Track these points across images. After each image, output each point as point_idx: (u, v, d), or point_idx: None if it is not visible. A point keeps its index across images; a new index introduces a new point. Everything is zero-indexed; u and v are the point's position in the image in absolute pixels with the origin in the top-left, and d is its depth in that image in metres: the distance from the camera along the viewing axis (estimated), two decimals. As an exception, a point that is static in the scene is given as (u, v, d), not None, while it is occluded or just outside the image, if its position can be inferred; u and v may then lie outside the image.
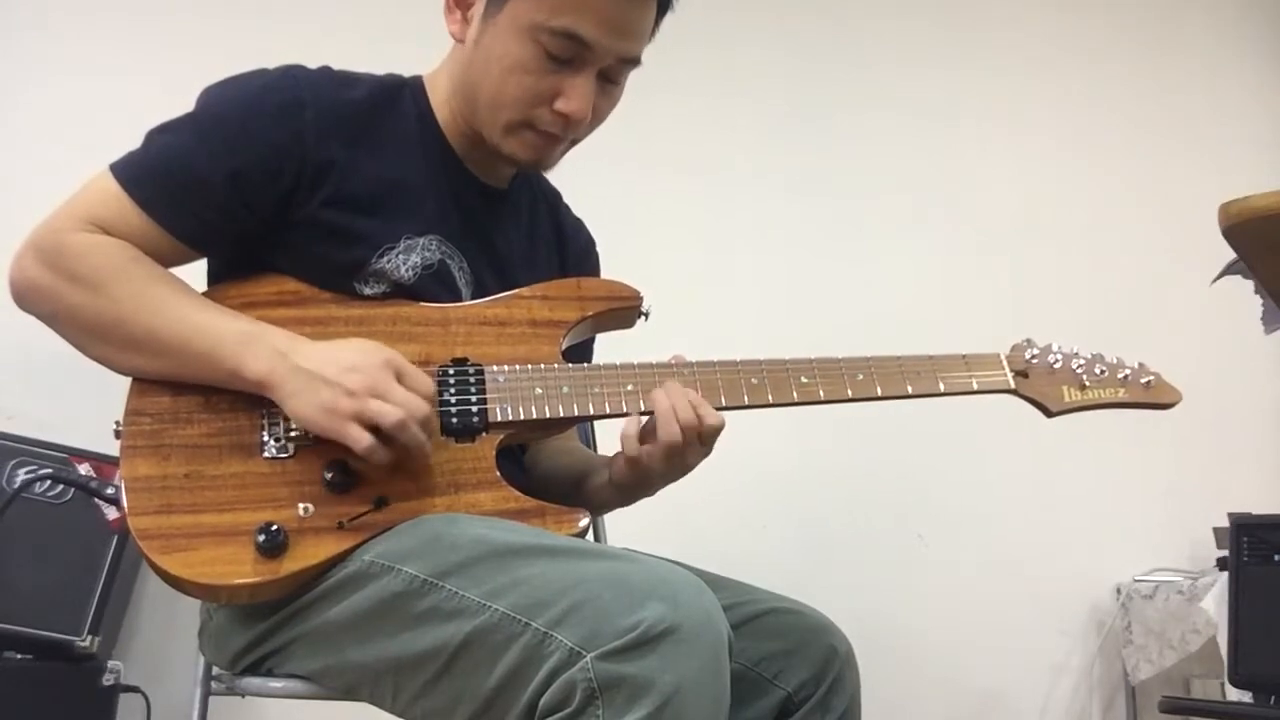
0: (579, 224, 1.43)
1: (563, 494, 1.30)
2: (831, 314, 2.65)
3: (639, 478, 1.19)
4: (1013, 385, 1.30)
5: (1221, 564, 2.26)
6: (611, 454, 1.25)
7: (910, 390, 1.25)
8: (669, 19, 1.20)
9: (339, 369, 1.03)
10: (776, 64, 2.80)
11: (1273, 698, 1.93)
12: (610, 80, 1.18)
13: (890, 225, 2.80)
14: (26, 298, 1.11)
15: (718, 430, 1.16)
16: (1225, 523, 2.14)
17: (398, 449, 1.05)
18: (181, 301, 1.09)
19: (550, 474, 1.35)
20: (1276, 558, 1.98)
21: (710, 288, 2.59)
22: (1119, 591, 2.66)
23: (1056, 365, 1.31)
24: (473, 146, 1.24)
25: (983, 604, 2.64)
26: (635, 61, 1.18)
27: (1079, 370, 1.31)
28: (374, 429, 1.03)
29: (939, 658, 2.59)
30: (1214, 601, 2.23)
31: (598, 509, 1.32)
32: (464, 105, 1.21)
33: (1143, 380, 1.32)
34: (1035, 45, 3.02)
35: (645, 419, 1.17)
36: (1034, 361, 1.31)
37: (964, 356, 1.29)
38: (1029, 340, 1.33)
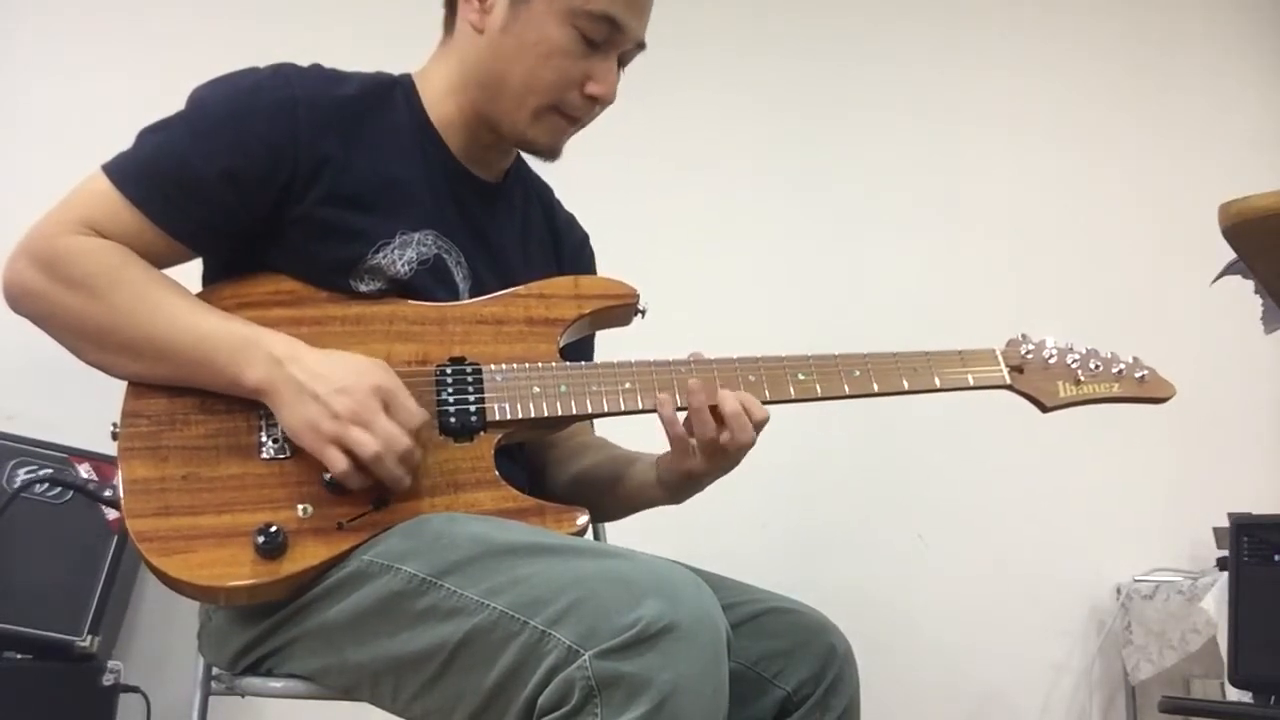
0: (571, 219, 1.43)
1: (598, 496, 1.30)
2: (828, 312, 2.65)
3: (686, 472, 1.20)
4: (1008, 380, 1.30)
5: (1221, 564, 2.26)
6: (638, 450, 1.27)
7: (907, 386, 1.25)
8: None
9: (329, 388, 1.03)
10: (777, 63, 2.79)
11: (1273, 698, 1.93)
12: (622, 64, 1.22)
13: (888, 224, 2.79)
14: (21, 302, 1.10)
15: (763, 423, 1.18)
16: (1225, 523, 2.14)
17: (373, 478, 1.05)
18: (178, 305, 1.08)
19: (584, 476, 1.34)
20: (1276, 558, 1.98)
21: (708, 285, 2.58)
22: (1119, 591, 2.65)
23: (1051, 360, 1.31)
24: (468, 140, 1.25)
25: (983, 604, 2.64)
26: (643, 45, 1.22)
27: (1074, 365, 1.31)
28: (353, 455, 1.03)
29: (939, 658, 2.58)
30: (1214, 601, 2.23)
31: (643, 507, 1.31)
32: (479, 94, 1.21)
33: (1137, 374, 1.31)
34: (1035, 45, 3.02)
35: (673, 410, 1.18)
36: (1029, 357, 1.31)
37: (960, 352, 1.29)
38: (1024, 335, 1.33)
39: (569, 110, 1.20)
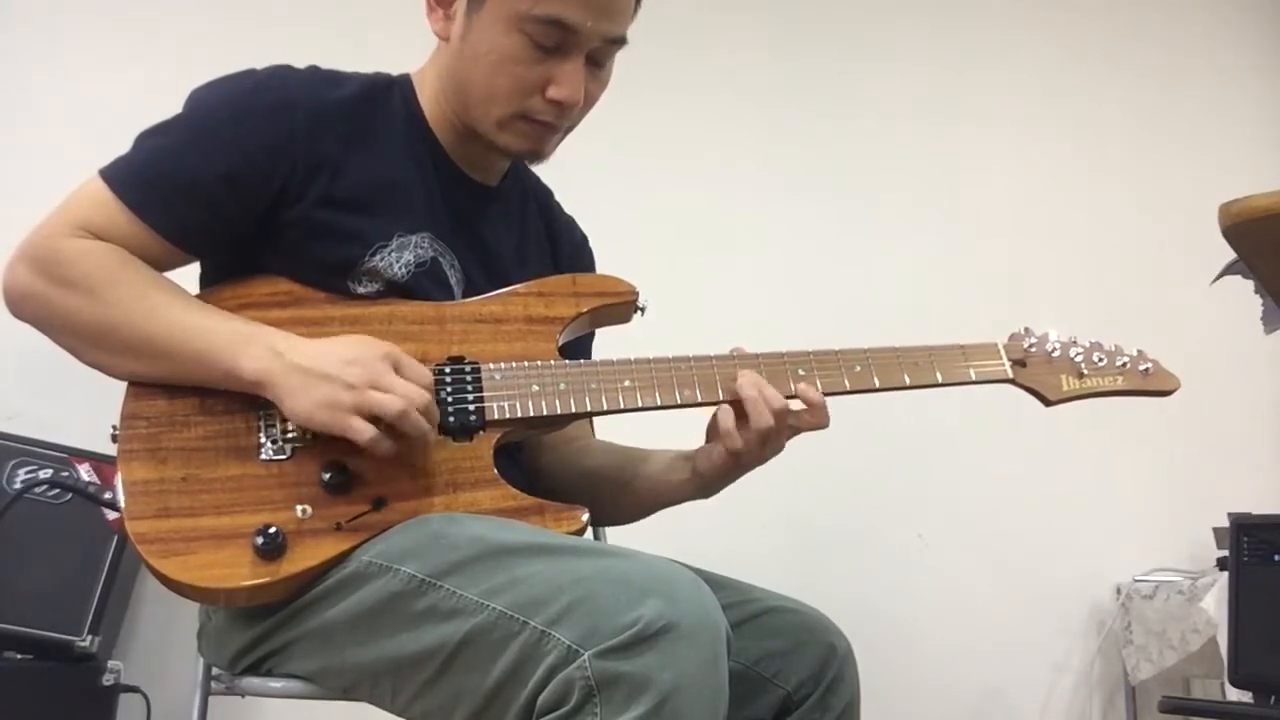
0: (571, 222, 1.42)
1: (612, 498, 1.30)
2: (829, 311, 2.64)
3: (735, 468, 1.21)
4: (1010, 374, 1.28)
5: (1221, 564, 2.26)
6: (664, 447, 1.28)
7: (908, 381, 1.24)
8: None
9: (337, 363, 1.03)
10: (777, 63, 2.80)
11: (1273, 698, 1.93)
12: (597, 63, 1.18)
13: (889, 224, 2.80)
14: (20, 305, 1.10)
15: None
16: (1225, 523, 2.14)
17: (401, 439, 1.04)
18: (175, 304, 1.08)
19: (595, 479, 1.33)
20: (1276, 558, 1.98)
21: (709, 283, 2.58)
22: (1119, 591, 2.65)
23: (1054, 353, 1.29)
24: (463, 143, 1.24)
25: (983, 604, 2.64)
26: (621, 41, 1.18)
27: (1077, 358, 1.29)
28: (375, 421, 1.02)
29: (939, 657, 2.58)
30: (1214, 601, 2.23)
31: (667, 506, 1.30)
32: (455, 102, 1.21)
33: (1141, 367, 1.30)
34: (1036, 44, 3.02)
35: (729, 408, 1.18)
36: (1032, 350, 1.30)
37: (962, 346, 1.27)
38: (1027, 329, 1.31)
39: (537, 116, 1.16)
